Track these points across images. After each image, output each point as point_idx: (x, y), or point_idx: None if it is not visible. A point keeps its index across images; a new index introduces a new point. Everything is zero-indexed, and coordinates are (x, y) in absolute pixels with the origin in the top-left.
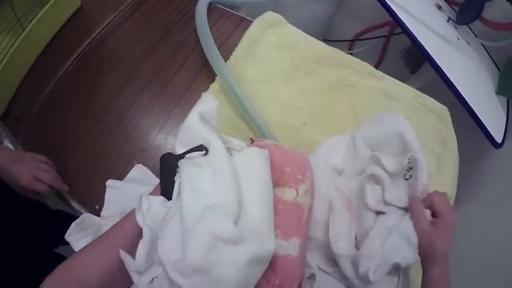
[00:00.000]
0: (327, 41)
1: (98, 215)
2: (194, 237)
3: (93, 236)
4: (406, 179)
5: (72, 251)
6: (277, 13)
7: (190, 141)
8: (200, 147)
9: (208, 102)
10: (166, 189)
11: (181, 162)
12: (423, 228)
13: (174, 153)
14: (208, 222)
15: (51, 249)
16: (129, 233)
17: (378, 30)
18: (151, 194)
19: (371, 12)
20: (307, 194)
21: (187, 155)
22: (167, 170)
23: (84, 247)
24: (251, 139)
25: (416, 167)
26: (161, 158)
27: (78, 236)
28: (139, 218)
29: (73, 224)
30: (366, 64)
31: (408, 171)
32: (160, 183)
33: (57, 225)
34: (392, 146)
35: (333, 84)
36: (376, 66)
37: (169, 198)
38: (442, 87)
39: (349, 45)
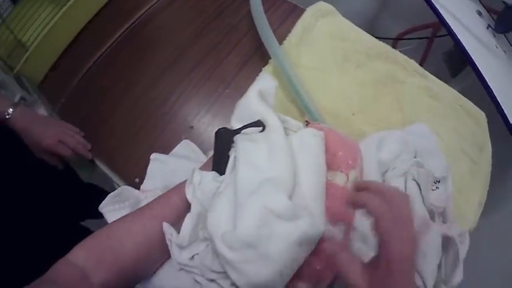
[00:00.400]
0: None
1: (137, 188)
2: (247, 210)
3: (131, 208)
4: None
5: (99, 226)
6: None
7: (247, 117)
8: (257, 123)
9: (267, 81)
10: (219, 163)
11: (237, 137)
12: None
13: (229, 128)
14: (263, 196)
15: (77, 222)
16: (176, 206)
17: (421, 31)
18: (202, 169)
19: (415, 13)
20: (356, 180)
21: (243, 131)
22: (222, 144)
23: (123, 217)
24: (306, 121)
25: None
26: (216, 132)
27: (114, 208)
28: (189, 192)
29: (109, 195)
30: (412, 61)
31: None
32: (214, 156)
33: (86, 198)
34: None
35: (382, 78)
36: None
37: (221, 172)
38: (479, 94)
39: (393, 43)
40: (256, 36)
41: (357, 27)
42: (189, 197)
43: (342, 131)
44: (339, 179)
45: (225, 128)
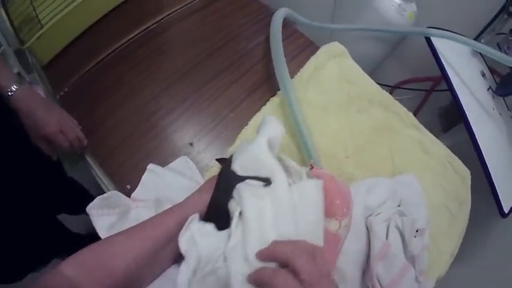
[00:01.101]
0: None
1: (128, 194)
2: None
3: (119, 217)
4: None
5: (74, 223)
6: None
7: (253, 166)
8: (265, 180)
9: (277, 128)
10: (217, 210)
11: (241, 189)
12: None
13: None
14: None
15: (53, 215)
16: (168, 228)
17: (420, 83)
18: (195, 199)
19: (418, 64)
20: (346, 227)
21: (247, 180)
22: (224, 188)
23: (117, 234)
24: (311, 165)
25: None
26: (220, 171)
27: (102, 212)
28: (182, 240)
29: (98, 197)
30: (410, 114)
31: (417, 231)
32: (212, 200)
33: (66, 192)
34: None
35: (379, 126)
36: None
37: (217, 220)
38: (466, 151)
39: (390, 91)
40: (268, 65)
41: (364, 73)
42: (182, 245)
43: (333, 172)
44: (333, 225)
45: (229, 170)
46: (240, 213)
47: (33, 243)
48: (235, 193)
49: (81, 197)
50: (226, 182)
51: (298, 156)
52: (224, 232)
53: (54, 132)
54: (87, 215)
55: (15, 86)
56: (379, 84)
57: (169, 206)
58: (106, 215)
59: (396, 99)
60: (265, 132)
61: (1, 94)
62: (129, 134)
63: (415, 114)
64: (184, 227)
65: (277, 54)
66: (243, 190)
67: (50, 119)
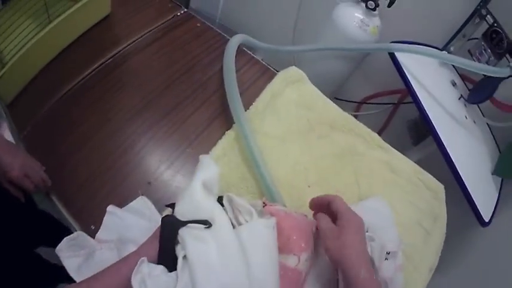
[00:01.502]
0: (337, 99)
1: (92, 235)
2: None
3: (85, 258)
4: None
5: (52, 254)
6: (295, 64)
7: (192, 211)
8: (205, 222)
9: (210, 169)
10: (166, 257)
11: (184, 235)
12: (331, 238)
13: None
14: None
15: (31, 249)
16: (125, 276)
17: (387, 97)
18: (147, 247)
19: (384, 78)
20: (307, 261)
21: (189, 225)
22: (168, 236)
23: (78, 284)
24: (263, 202)
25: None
26: (162, 220)
27: (69, 254)
28: (135, 282)
29: (65, 238)
30: (375, 135)
31: (388, 253)
32: (160, 246)
33: (40, 225)
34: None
35: (341, 151)
36: (380, 133)
37: (168, 264)
38: (440, 162)
39: (357, 106)
40: (223, 97)
41: (324, 97)
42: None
43: (295, 203)
44: (291, 261)
45: (171, 216)
46: (185, 256)
47: (12, 279)
48: (179, 238)
49: (55, 228)
50: (169, 228)
51: (257, 189)
52: (173, 274)
53: (18, 176)
54: None
55: None
56: (345, 101)
57: (131, 246)
58: (73, 256)
59: (364, 114)
60: (200, 174)
61: None
62: (89, 174)
63: (384, 128)
64: (134, 271)
65: (230, 86)
66: (185, 234)
67: (14, 163)
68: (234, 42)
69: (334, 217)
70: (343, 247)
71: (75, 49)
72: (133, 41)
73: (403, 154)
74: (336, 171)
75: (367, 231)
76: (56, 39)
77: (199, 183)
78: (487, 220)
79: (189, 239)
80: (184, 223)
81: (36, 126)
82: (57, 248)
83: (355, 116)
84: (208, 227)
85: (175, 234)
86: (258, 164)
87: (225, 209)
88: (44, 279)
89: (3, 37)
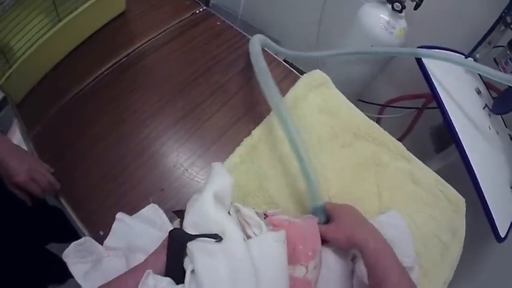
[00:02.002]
0: (361, 101)
1: (100, 240)
2: None
3: (92, 265)
4: None
5: (63, 250)
6: (320, 64)
7: (202, 223)
8: (215, 236)
9: (224, 179)
10: (173, 270)
11: (192, 248)
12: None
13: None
14: None
15: (42, 245)
16: None
17: (412, 101)
18: (154, 257)
19: (409, 81)
20: (315, 269)
21: (198, 238)
22: (175, 250)
23: None
24: (265, 214)
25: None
26: (170, 233)
27: (76, 260)
28: None
29: (73, 244)
30: (399, 144)
31: None
32: (167, 260)
33: (51, 221)
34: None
35: (365, 161)
36: (402, 138)
37: (175, 277)
38: (460, 171)
39: (380, 109)
40: (243, 100)
41: (348, 102)
42: None
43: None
44: (299, 272)
45: (179, 229)
46: (193, 270)
47: (23, 275)
48: (187, 251)
49: (65, 225)
50: (176, 242)
51: (275, 199)
52: (180, 286)
53: (25, 181)
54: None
55: None
56: (368, 103)
57: (140, 255)
58: (80, 263)
59: (387, 118)
60: (212, 185)
61: None
62: (99, 178)
63: (407, 132)
64: (140, 283)
65: (264, 78)
66: (194, 248)
67: (20, 168)
68: (255, 40)
69: None
70: (349, 232)
71: (88, 47)
72: (149, 40)
73: (425, 161)
74: (358, 182)
75: None
76: (66, 37)
77: (210, 194)
78: (502, 236)
79: (198, 253)
80: (193, 237)
81: (47, 126)
82: (64, 253)
83: (378, 119)
84: (218, 241)
85: (183, 247)
86: (301, 157)
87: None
88: (54, 275)
89: (13, 34)
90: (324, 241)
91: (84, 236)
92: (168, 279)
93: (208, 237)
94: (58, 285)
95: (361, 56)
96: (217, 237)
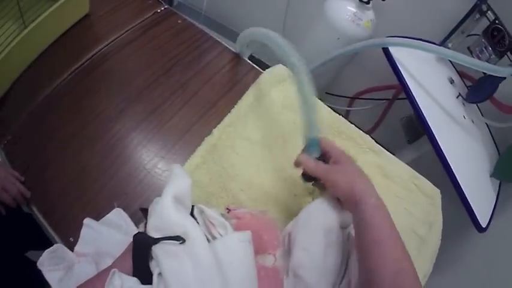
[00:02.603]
0: (329, 94)
1: (71, 247)
2: None
3: (65, 271)
4: None
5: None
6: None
7: (165, 226)
8: (177, 238)
9: (182, 181)
10: (139, 273)
11: (157, 251)
12: (335, 174)
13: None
14: None
15: (21, 253)
16: None
17: (382, 92)
18: (120, 260)
19: (378, 72)
20: (282, 258)
21: (162, 241)
22: (140, 254)
23: None
24: (227, 208)
25: None
26: (133, 238)
27: (50, 268)
28: None
29: (46, 251)
30: (367, 137)
31: None
32: (133, 264)
33: (29, 228)
34: None
35: None
36: (373, 129)
37: (142, 281)
38: (436, 161)
39: (349, 102)
40: (203, 100)
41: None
42: None
43: (281, 215)
44: (269, 260)
45: (142, 233)
46: (160, 273)
47: (3, 284)
48: (153, 254)
49: (42, 231)
50: (141, 246)
51: (239, 199)
52: (148, 287)
53: None
54: None
55: None
56: (337, 95)
57: (109, 259)
58: (54, 270)
59: (357, 110)
60: (171, 187)
61: None
62: (67, 184)
63: (377, 124)
64: (106, 283)
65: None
66: (158, 252)
67: None
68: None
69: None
70: (351, 179)
71: (54, 50)
72: (112, 41)
73: (398, 152)
74: None
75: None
76: (32, 43)
77: (170, 197)
78: (484, 226)
79: (163, 255)
80: (157, 240)
81: (16, 134)
82: (39, 261)
83: (347, 112)
84: (182, 243)
85: (148, 251)
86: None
87: (197, 221)
88: (34, 282)
89: None
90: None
91: (57, 243)
92: (134, 278)
93: (171, 239)
94: None
95: (327, 47)
96: (180, 239)
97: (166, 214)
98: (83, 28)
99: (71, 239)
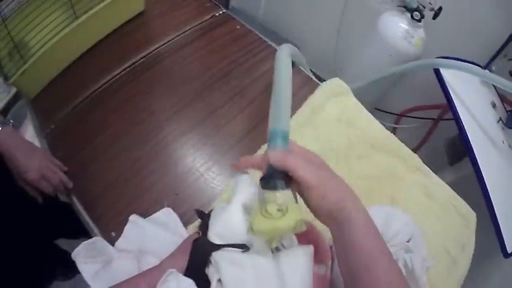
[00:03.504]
0: (378, 110)
1: (112, 242)
2: None
3: (102, 266)
4: None
5: (72, 246)
6: (338, 69)
7: (229, 234)
8: (242, 246)
9: (251, 190)
10: (192, 277)
11: (219, 258)
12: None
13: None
14: None
15: (50, 240)
16: None
17: (427, 111)
18: (171, 261)
19: (426, 91)
20: (332, 265)
21: (224, 248)
22: (198, 258)
23: None
24: None
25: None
26: (194, 242)
27: (86, 260)
28: None
29: (83, 243)
30: (415, 157)
31: None
32: (188, 268)
33: (61, 217)
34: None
35: (380, 173)
36: (417, 148)
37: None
38: (472, 185)
39: (396, 119)
40: (261, 107)
41: (367, 113)
42: None
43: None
44: (323, 270)
45: (202, 239)
46: (220, 280)
47: (30, 269)
48: (212, 260)
49: (76, 221)
50: (200, 250)
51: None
52: None
53: (35, 179)
54: (86, 238)
55: None
56: (384, 112)
57: (151, 259)
58: (90, 263)
59: (403, 128)
60: (240, 196)
61: None
62: (114, 178)
63: (422, 143)
64: (161, 280)
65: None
66: (219, 258)
67: (31, 165)
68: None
69: None
70: (339, 188)
71: (105, 46)
72: (168, 42)
73: (438, 173)
74: (372, 194)
75: (408, 241)
76: (83, 35)
77: (239, 206)
78: (510, 251)
79: (225, 262)
80: (219, 247)
81: (61, 125)
82: (74, 252)
83: (394, 129)
84: (245, 251)
85: (207, 256)
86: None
87: None
88: (61, 270)
89: (28, 29)
90: None
91: (96, 236)
92: (190, 280)
93: (235, 247)
94: (65, 279)
95: (380, 62)
96: (244, 247)
97: (233, 222)
98: (137, 26)
99: (113, 234)
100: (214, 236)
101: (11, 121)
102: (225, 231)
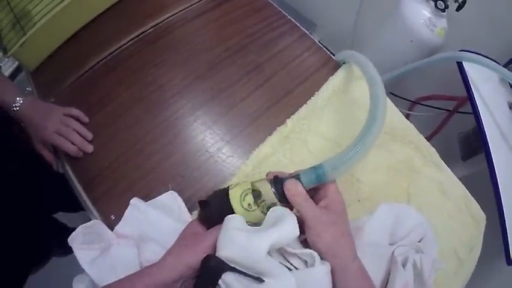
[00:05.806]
0: (392, 94)
1: (111, 226)
2: None
3: (99, 251)
4: None
5: (71, 219)
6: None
7: (245, 265)
8: (258, 279)
9: (289, 231)
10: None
11: (231, 280)
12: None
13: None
14: None
15: (49, 213)
16: None
17: (443, 101)
18: (173, 256)
19: (443, 81)
20: None
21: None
22: (208, 277)
23: None
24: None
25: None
26: (204, 260)
27: (83, 246)
28: None
29: (80, 226)
30: (433, 150)
31: None
32: (196, 283)
33: (60, 190)
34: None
35: (398, 164)
36: (429, 138)
37: None
38: (482, 184)
39: (410, 105)
40: (280, 85)
41: (389, 100)
42: None
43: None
44: None
45: (215, 258)
46: None
47: (28, 243)
48: (221, 283)
49: (74, 195)
50: (212, 270)
51: None
52: None
53: (48, 136)
54: (85, 212)
55: (19, 102)
56: (399, 97)
57: (153, 245)
58: (87, 249)
59: (416, 115)
60: (275, 234)
61: (6, 109)
62: (115, 157)
63: (434, 134)
64: None
65: None
66: (232, 281)
67: (47, 122)
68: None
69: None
70: (337, 236)
71: (111, 15)
72: (180, 11)
73: (450, 166)
74: (389, 187)
75: (419, 242)
76: (87, 4)
77: (269, 244)
78: None
79: (239, 286)
80: (232, 269)
81: (62, 98)
82: (71, 236)
83: (407, 115)
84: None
85: (217, 276)
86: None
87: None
88: (59, 244)
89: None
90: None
91: (95, 218)
92: None
93: (252, 277)
94: (62, 255)
95: (400, 46)
96: (260, 281)
97: (256, 257)
98: None
99: (112, 217)
100: (224, 258)
101: (28, 89)
102: (243, 261)
